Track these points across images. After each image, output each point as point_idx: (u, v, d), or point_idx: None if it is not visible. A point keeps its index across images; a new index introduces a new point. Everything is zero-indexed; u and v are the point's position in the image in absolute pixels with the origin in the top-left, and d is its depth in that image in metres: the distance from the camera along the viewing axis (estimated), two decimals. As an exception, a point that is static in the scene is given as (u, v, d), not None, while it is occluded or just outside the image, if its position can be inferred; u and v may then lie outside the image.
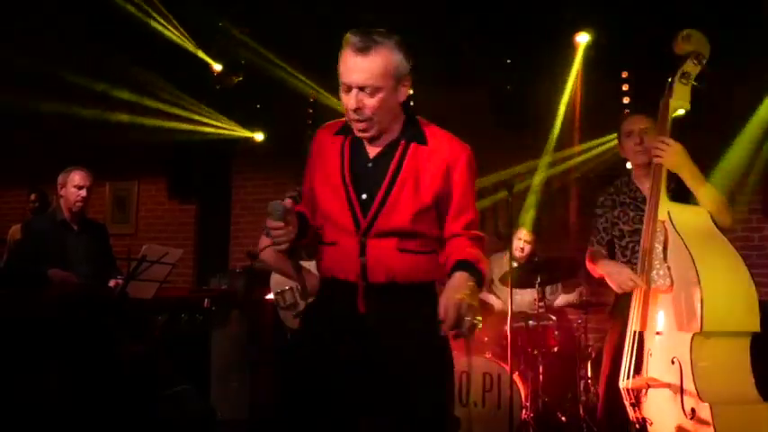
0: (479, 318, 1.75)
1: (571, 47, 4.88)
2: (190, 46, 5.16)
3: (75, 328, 3.62)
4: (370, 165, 1.90)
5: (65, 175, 3.77)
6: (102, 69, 5.54)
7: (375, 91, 1.80)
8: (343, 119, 1.94)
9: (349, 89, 1.81)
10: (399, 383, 1.86)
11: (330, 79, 5.52)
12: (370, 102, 1.81)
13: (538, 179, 5.51)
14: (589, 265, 2.93)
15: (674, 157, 2.57)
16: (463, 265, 1.83)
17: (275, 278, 3.26)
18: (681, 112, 2.67)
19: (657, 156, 2.60)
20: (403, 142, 1.89)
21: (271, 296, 3.74)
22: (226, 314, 5.01)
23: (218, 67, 5.46)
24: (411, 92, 1.98)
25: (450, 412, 1.97)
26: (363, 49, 1.78)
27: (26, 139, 6.64)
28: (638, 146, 2.86)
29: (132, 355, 4.00)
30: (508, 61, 5.18)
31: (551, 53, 4.95)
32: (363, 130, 1.86)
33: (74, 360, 3.59)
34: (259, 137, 6.11)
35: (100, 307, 3.70)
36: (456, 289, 1.76)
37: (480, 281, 1.82)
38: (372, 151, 1.91)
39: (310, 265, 3.17)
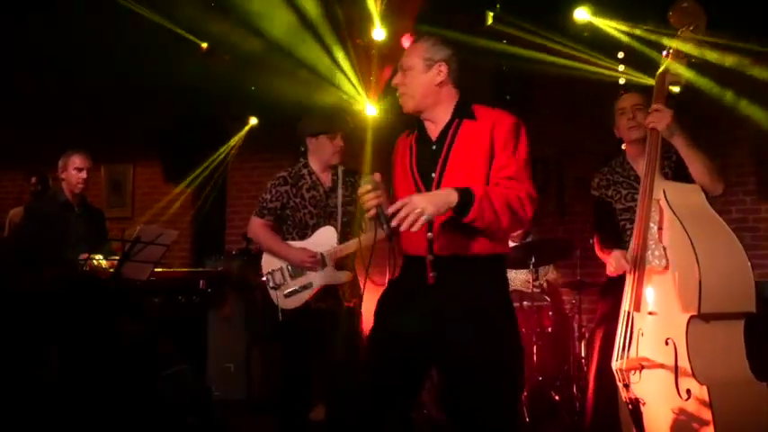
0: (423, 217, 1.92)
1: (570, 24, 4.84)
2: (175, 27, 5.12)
3: (72, 308, 3.64)
4: (434, 147, 2.18)
5: (65, 159, 3.87)
6: (93, 53, 5.51)
7: (407, 69, 2.21)
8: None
9: (396, 72, 2.25)
10: (463, 353, 2.02)
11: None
12: (403, 79, 2.21)
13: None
14: (599, 253, 2.93)
15: (667, 122, 2.56)
16: (460, 189, 1.99)
17: (266, 258, 3.27)
18: (676, 89, 2.66)
19: (651, 122, 2.59)
20: (456, 121, 2.18)
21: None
22: (222, 295, 5.03)
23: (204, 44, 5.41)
24: (444, 77, 2.21)
25: (520, 367, 2.16)
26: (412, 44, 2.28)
27: (21, 122, 6.62)
28: (631, 121, 2.89)
29: (130, 336, 4.02)
30: (504, 42, 5.15)
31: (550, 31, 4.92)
32: (402, 104, 2.24)
33: (72, 340, 3.61)
34: (253, 121, 6.11)
35: (96, 287, 3.71)
36: (425, 195, 2.01)
37: (466, 203, 1.97)
38: (434, 135, 2.20)
39: (299, 243, 3.19)
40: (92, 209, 4.09)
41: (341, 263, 3.20)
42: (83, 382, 3.58)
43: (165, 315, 4.89)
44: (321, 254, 3.16)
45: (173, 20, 5.03)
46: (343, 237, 3.22)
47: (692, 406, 2.27)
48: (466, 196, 1.97)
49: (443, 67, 2.18)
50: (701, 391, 2.25)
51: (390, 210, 1.95)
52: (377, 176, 2.06)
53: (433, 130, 2.21)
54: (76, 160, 3.83)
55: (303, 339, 3.16)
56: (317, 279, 3.17)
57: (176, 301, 5.01)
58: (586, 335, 4.49)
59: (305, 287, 3.17)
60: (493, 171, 2.09)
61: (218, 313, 5.05)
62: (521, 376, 2.10)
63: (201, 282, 5.04)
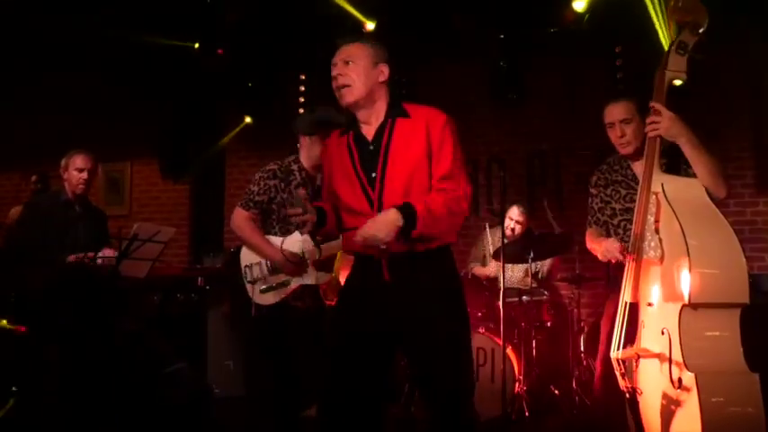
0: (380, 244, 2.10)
1: (565, 19, 4.82)
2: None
3: (70, 306, 3.64)
4: (371, 147, 2.25)
5: (67, 159, 3.85)
6: (90, 52, 5.50)
7: (350, 62, 2.26)
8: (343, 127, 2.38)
9: (335, 65, 2.28)
10: (428, 334, 2.18)
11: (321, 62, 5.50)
12: (347, 69, 2.26)
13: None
14: (589, 246, 2.93)
15: (670, 125, 2.54)
16: (402, 206, 2.12)
17: (245, 252, 3.22)
18: (678, 82, 2.64)
19: (654, 129, 2.56)
20: (389, 120, 2.26)
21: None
22: (220, 293, 5.02)
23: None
24: (386, 78, 2.31)
25: (470, 351, 2.28)
26: (346, 42, 2.32)
27: (17, 121, 6.61)
28: (621, 138, 2.83)
29: (129, 334, 4.01)
30: (501, 36, 5.14)
31: (546, 26, 4.92)
32: (342, 96, 2.26)
33: (71, 339, 3.60)
34: (248, 119, 6.09)
35: (95, 285, 3.70)
36: (377, 221, 2.11)
37: (411, 221, 2.10)
38: (369, 135, 2.27)
39: (281, 240, 3.12)
40: (94, 209, 4.07)
41: (321, 263, 3.15)
42: (82, 381, 3.57)
43: (163, 313, 4.89)
44: (303, 255, 3.11)
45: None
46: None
47: (682, 394, 2.29)
48: (410, 217, 2.10)
49: (385, 69, 2.30)
50: (689, 379, 2.27)
51: (356, 240, 2.11)
52: (302, 193, 2.22)
53: (368, 131, 2.28)
54: (77, 161, 3.80)
55: (278, 336, 3.13)
56: (296, 278, 3.14)
57: (175, 298, 5.01)
58: (586, 329, 4.49)
59: (282, 284, 3.13)
60: (432, 166, 2.21)
61: (217, 310, 5.05)
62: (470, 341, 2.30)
63: (200, 279, 5.04)
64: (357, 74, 2.24)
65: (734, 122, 5.04)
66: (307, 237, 3.08)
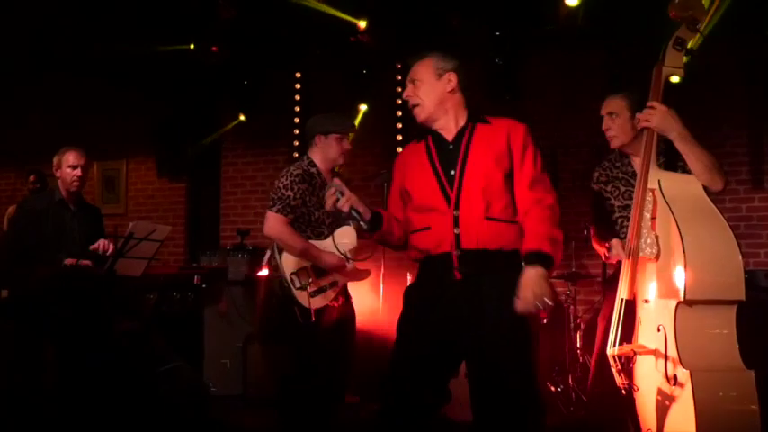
0: (548, 300, 2.13)
1: (558, 15, 4.81)
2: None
3: (67, 306, 3.63)
4: (451, 147, 2.34)
5: (59, 156, 3.82)
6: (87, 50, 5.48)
7: (416, 80, 2.40)
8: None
9: (407, 87, 2.43)
10: (492, 341, 2.19)
11: (320, 57, 5.51)
12: (415, 91, 2.39)
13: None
14: (594, 244, 2.95)
15: (661, 119, 2.54)
16: (533, 257, 2.17)
17: (288, 259, 3.15)
18: (675, 79, 2.64)
19: (645, 121, 2.57)
20: (470, 124, 2.37)
21: (264, 272, 3.78)
22: (217, 291, 5.02)
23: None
24: (454, 86, 2.39)
25: (536, 366, 2.31)
26: (413, 61, 2.45)
27: (13, 120, 6.59)
28: (607, 131, 2.86)
29: (125, 333, 4.01)
30: (497, 34, 5.15)
31: (540, 23, 4.92)
32: (415, 115, 2.41)
33: (67, 339, 3.60)
34: (242, 117, 6.08)
35: (92, 285, 3.70)
36: (527, 286, 2.14)
37: (549, 264, 2.18)
38: (450, 137, 2.37)
39: (323, 245, 3.16)
40: (88, 207, 4.05)
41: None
42: (79, 381, 3.56)
43: (160, 311, 4.88)
44: (346, 255, 3.14)
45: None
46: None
47: (677, 391, 2.30)
48: (544, 259, 2.16)
49: (453, 77, 2.37)
50: (684, 375, 2.28)
51: (520, 309, 2.14)
52: (338, 181, 2.32)
53: (448, 135, 2.38)
54: (70, 158, 3.78)
55: (329, 337, 3.15)
56: (341, 277, 3.18)
57: (171, 297, 5.01)
58: (582, 326, 4.51)
59: (331, 285, 3.16)
60: (517, 176, 2.30)
61: (214, 309, 5.04)
62: (536, 361, 2.43)
63: (196, 278, 5.03)
64: (423, 92, 2.36)
65: (729, 118, 5.04)
66: (344, 234, 3.16)
